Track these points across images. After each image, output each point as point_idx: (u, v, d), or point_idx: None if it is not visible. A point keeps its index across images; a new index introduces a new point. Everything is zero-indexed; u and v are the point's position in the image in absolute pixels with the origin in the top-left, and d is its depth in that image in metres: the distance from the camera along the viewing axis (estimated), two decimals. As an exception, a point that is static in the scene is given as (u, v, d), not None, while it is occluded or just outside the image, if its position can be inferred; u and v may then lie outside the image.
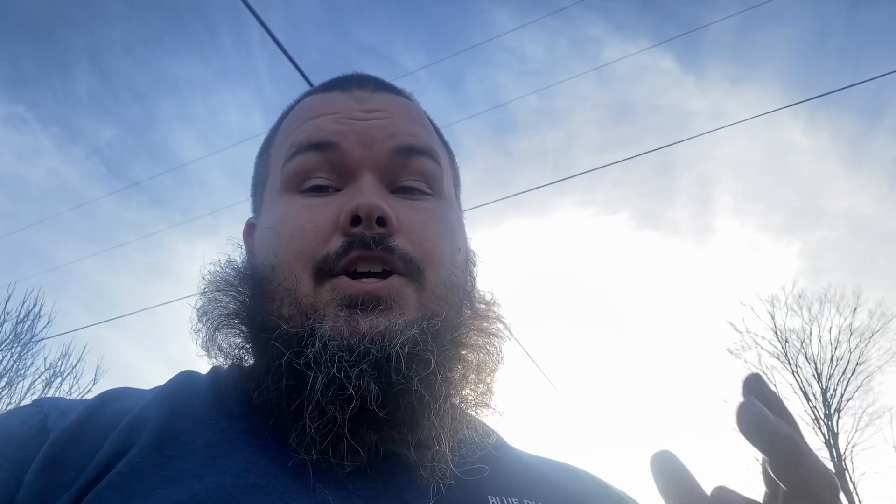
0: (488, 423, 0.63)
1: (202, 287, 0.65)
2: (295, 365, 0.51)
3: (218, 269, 0.65)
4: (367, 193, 0.57)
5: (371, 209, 0.56)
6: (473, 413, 0.61)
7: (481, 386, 0.61)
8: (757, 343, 15.19)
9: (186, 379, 0.60)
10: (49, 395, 10.11)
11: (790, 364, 14.85)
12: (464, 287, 0.63)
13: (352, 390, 0.49)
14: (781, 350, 14.99)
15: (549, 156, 14.79)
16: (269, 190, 0.66)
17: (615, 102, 14.06)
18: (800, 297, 15.16)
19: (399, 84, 0.72)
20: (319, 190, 0.60)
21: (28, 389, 9.80)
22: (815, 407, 14.35)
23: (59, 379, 9.96)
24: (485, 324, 0.62)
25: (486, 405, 0.61)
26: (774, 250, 18.46)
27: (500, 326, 0.64)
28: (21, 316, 10.16)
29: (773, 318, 15.23)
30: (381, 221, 0.56)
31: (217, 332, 0.62)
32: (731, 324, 15.54)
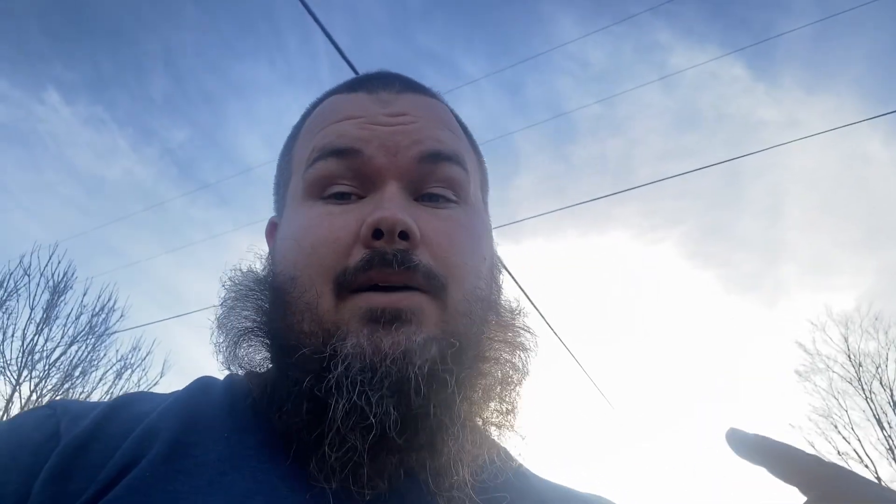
0: (509, 447, 0.60)
1: (222, 295, 0.63)
2: (316, 392, 0.50)
3: (239, 275, 0.64)
4: (390, 205, 0.55)
5: (394, 223, 0.54)
6: (496, 433, 0.59)
7: (505, 404, 0.58)
8: (828, 366, 14.47)
9: (202, 386, 0.59)
10: (120, 385, 10.49)
11: (864, 390, 14.05)
12: (488, 298, 0.60)
13: (372, 418, 0.48)
14: (855, 374, 14.22)
15: (609, 164, 14.50)
16: (290, 193, 0.64)
17: (680, 110, 13.68)
18: (876, 318, 14.34)
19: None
20: (341, 197, 0.59)
21: (100, 379, 10.26)
22: (889, 436, 13.52)
23: (129, 371, 10.41)
24: (509, 334, 0.60)
25: (510, 426, 0.59)
26: (849, 268, 17.56)
27: (527, 337, 0.61)
28: (96, 309, 10.68)
29: (846, 340, 14.48)
30: (404, 235, 0.54)
31: (238, 347, 0.60)
32: (800, 345, 14.87)
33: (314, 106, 0.69)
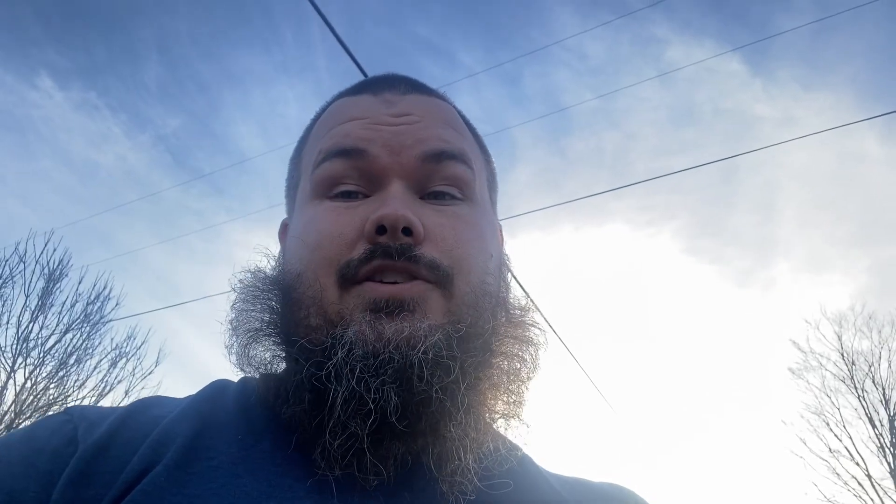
0: (515, 437, 0.61)
1: (233, 299, 0.64)
2: (315, 380, 0.51)
3: (248, 277, 0.65)
4: (394, 202, 0.56)
5: (396, 220, 0.55)
6: (503, 424, 0.60)
7: (513, 396, 0.59)
8: (821, 364, 14.52)
9: (217, 390, 0.60)
10: (115, 374, 10.48)
11: (856, 388, 14.11)
12: (497, 294, 0.61)
13: (371, 404, 0.48)
14: (847, 373, 14.27)
15: (605, 158, 14.46)
16: (299, 194, 0.66)
17: (677, 104, 13.61)
18: (870, 317, 14.40)
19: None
20: (347, 196, 0.60)
21: (95, 367, 10.24)
22: (881, 434, 13.60)
23: (124, 359, 10.39)
24: (519, 331, 0.61)
25: (517, 416, 0.60)
26: (843, 266, 17.57)
27: (536, 333, 0.62)
28: (91, 297, 10.65)
29: (839, 338, 14.53)
30: (408, 231, 0.55)
31: (249, 347, 0.61)
32: (793, 342, 14.92)
33: (322, 110, 0.70)
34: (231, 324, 0.63)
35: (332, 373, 0.50)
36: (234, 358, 0.62)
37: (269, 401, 0.58)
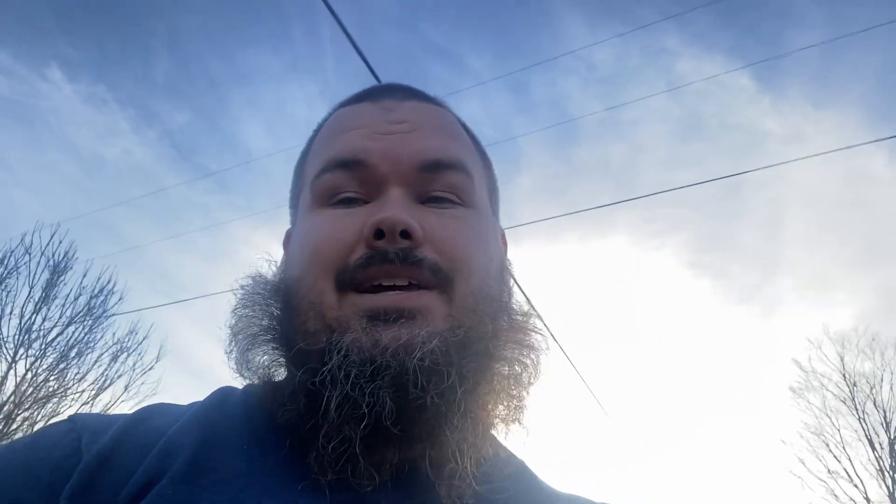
0: (515, 445, 0.62)
1: (234, 305, 0.64)
2: (310, 384, 0.51)
3: (249, 282, 0.65)
4: (392, 206, 0.57)
5: (394, 223, 0.55)
6: (503, 429, 0.60)
7: (514, 401, 0.59)
8: (822, 384, 14.46)
9: (221, 397, 0.60)
10: (115, 368, 10.48)
11: (857, 410, 14.05)
12: (499, 298, 0.61)
13: (365, 408, 0.49)
14: (849, 394, 14.21)
15: (611, 167, 14.42)
16: (301, 204, 0.66)
17: (685, 117, 13.58)
18: (873, 339, 14.33)
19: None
20: (347, 203, 0.60)
21: (96, 361, 10.27)
22: (880, 457, 13.51)
23: (125, 354, 10.42)
24: (521, 335, 0.61)
25: (517, 421, 0.60)
26: (848, 286, 17.53)
27: (538, 339, 0.62)
28: (95, 291, 10.68)
29: (842, 359, 14.47)
30: (406, 234, 0.56)
31: (248, 353, 0.61)
32: (795, 361, 14.87)
33: (324, 121, 0.71)
34: (232, 329, 0.63)
35: (328, 377, 0.50)
36: (233, 363, 0.62)
37: (268, 407, 0.58)
